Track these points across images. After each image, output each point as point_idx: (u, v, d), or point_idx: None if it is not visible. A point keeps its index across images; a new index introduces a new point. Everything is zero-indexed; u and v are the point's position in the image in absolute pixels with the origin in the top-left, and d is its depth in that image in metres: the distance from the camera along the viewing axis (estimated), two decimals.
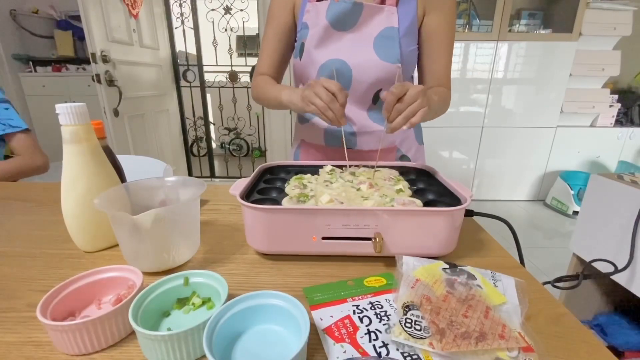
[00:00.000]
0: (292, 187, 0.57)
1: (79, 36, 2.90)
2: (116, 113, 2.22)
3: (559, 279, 0.80)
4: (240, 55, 3.25)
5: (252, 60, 3.15)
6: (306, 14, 0.77)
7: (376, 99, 0.80)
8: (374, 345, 0.33)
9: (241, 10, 2.90)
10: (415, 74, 0.86)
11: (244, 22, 2.91)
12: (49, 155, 1.37)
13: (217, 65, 3.06)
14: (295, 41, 0.83)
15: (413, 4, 0.74)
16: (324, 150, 0.87)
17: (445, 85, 0.81)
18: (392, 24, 0.73)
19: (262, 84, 0.83)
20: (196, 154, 3.59)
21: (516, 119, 2.67)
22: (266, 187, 0.59)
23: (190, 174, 3.43)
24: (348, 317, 0.37)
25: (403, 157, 0.88)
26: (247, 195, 0.54)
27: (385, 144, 0.85)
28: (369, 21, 0.74)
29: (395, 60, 0.74)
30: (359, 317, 0.37)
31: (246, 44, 3.19)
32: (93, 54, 2.01)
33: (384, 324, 0.36)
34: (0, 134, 1.21)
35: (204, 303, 0.39)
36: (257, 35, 2.95)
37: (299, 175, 0.64)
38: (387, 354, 0.32)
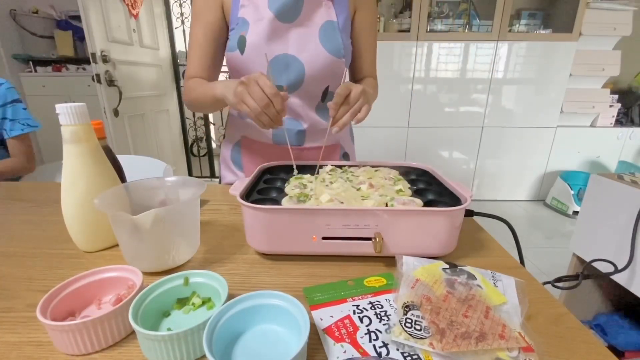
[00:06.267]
0: (292, 187, 0.57)
1: (79, 36, 2.89)
2: (116, 113, 2.22)
3: (559, 279, 0.79)
4: None
5: None
6: (242, 9, 0.74)
7: (324, 96, 0.82)
8: (374, 345, 0.33)
9: None
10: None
11: None
12: (48, 155, 1.38)
13: None
14: (228, 39, 0.78)
15: (345, 1, 0.78)
16: (272, 149, 0.84)
17: (373, 76, 0.90)
18: (332, 18, 0.76)
19: (194, 86, 0.77)
20: (196, 154, 3.58)
21: (516, 119, 2.67)
22: (266, 187, 0.59)
23: (190, 174, 3.43)
24: (348, 317, 0.37)
25: (345, 155, 0.94)
26: (247, 195, 0.54)
27: (330, 142, 0.89)
28: (311, 14, 0.75)
29: (340, 53, 0.76)
30: (359, 317, 0.37)
31: None
32: (93, 54, 2.01)
33: (384, 324, 0.36)
34: (19, 133, 1.22)
35: (204, 303, 0.39)
36: None
37: (298, 175, 0.64)
38: (387, 354, 0.32)
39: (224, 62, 0.83)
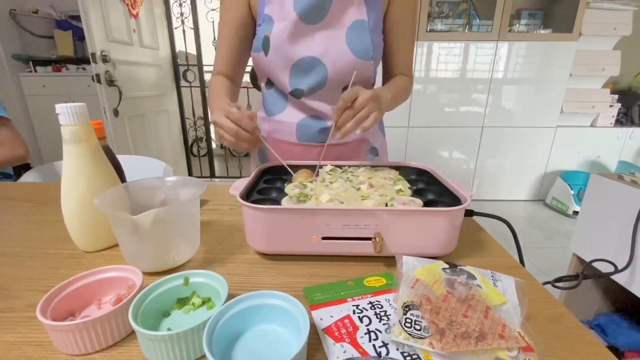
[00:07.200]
0: (292, 186, 0.57)
1: (79, 36, 2.89)
2: (116, 113, 2.22)
3: (559, 279, 0.80)
4: None
5: None
6: (268, 6, 0.72)
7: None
8: (374, 345, 0.33)
9: None
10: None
11: None
12: (48, 155, 1.37)
13: None
14: (255, 35, 0.78)
15: None
16: (297, 147, 0.83)
17: (408, 73, 0.84)
18: (362, 17, 0.72)
19: (212, 90, 0.78)
20: (196, 154, 3.58)
21: (516, 119, 2.67)
22: (266, 187, 0.59)
23: (190, 174, 3.43)
24: (348, 317, 0.37)
25: (372, 150, 0.89)
26: (247, 195, 0.54)
27: (355, 137, 0.84)
28: (338, 14, 0.71)
29: (368, 56, 0.73)
30: (358, 317, 0.37)
31: None
32: (93, 54, 2.01)
33: (384, 324, 0.36)
34: None
35: (204, 303, 0.39)
36: None
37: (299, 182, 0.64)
38: (387, 353, 0.32)
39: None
